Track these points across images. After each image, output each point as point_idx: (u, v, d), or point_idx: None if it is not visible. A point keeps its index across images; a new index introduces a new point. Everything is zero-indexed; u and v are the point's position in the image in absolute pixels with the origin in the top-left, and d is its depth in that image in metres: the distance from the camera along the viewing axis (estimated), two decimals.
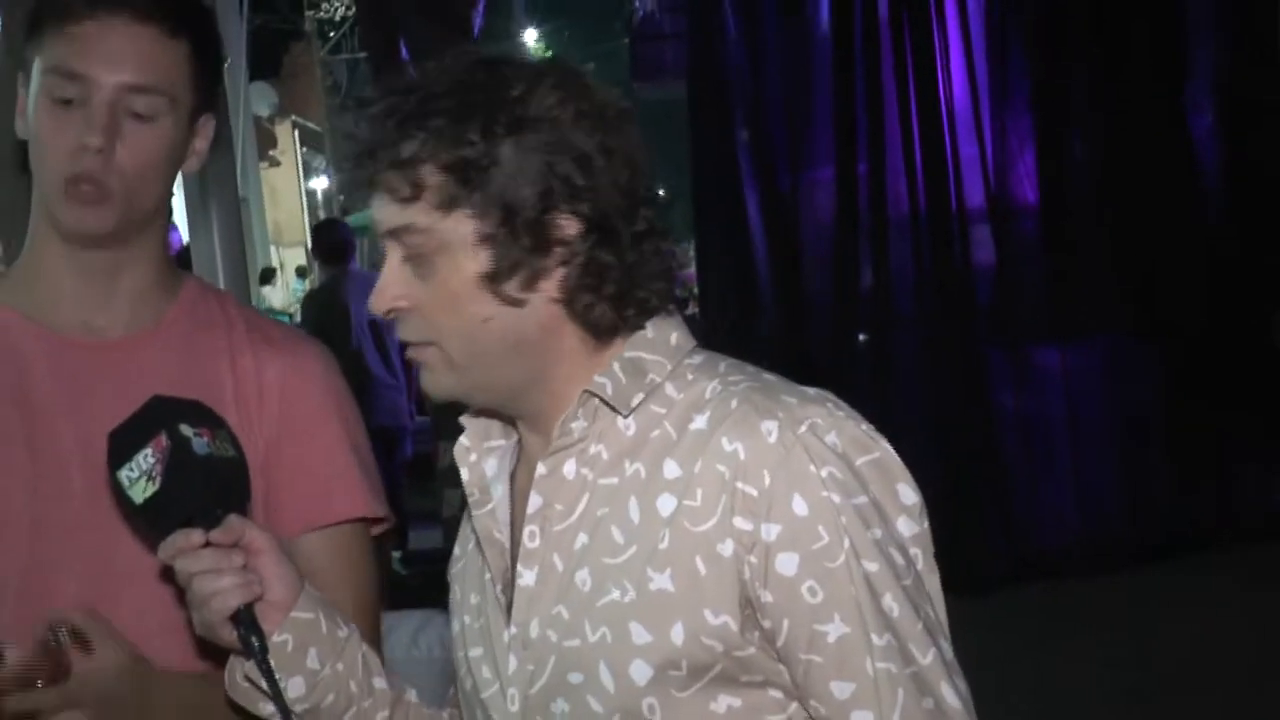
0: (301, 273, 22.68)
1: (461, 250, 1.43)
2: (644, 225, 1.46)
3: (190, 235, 3.51)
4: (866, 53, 7.43)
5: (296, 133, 27.43)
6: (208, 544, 1.50)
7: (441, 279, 1.44)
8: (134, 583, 1.82)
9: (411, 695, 1.66)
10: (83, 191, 1.80)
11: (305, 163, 29.15)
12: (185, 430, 1.50)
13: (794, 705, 1.42)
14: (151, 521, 1.53)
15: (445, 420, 6.42)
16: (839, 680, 1.38)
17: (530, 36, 27.29)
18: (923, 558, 1.44)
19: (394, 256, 1.48)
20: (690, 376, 1.48)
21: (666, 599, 1.40)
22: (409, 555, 7.97)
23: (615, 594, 1.43)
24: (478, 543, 1.57)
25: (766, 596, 1.39)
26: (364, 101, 1.48)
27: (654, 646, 1.40)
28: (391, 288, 1.48)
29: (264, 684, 1.51)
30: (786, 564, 1.38)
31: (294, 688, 1.56)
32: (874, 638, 1.38)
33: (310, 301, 9.15)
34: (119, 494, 1.52)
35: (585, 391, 1.46)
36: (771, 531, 1.38)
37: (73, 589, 1.80)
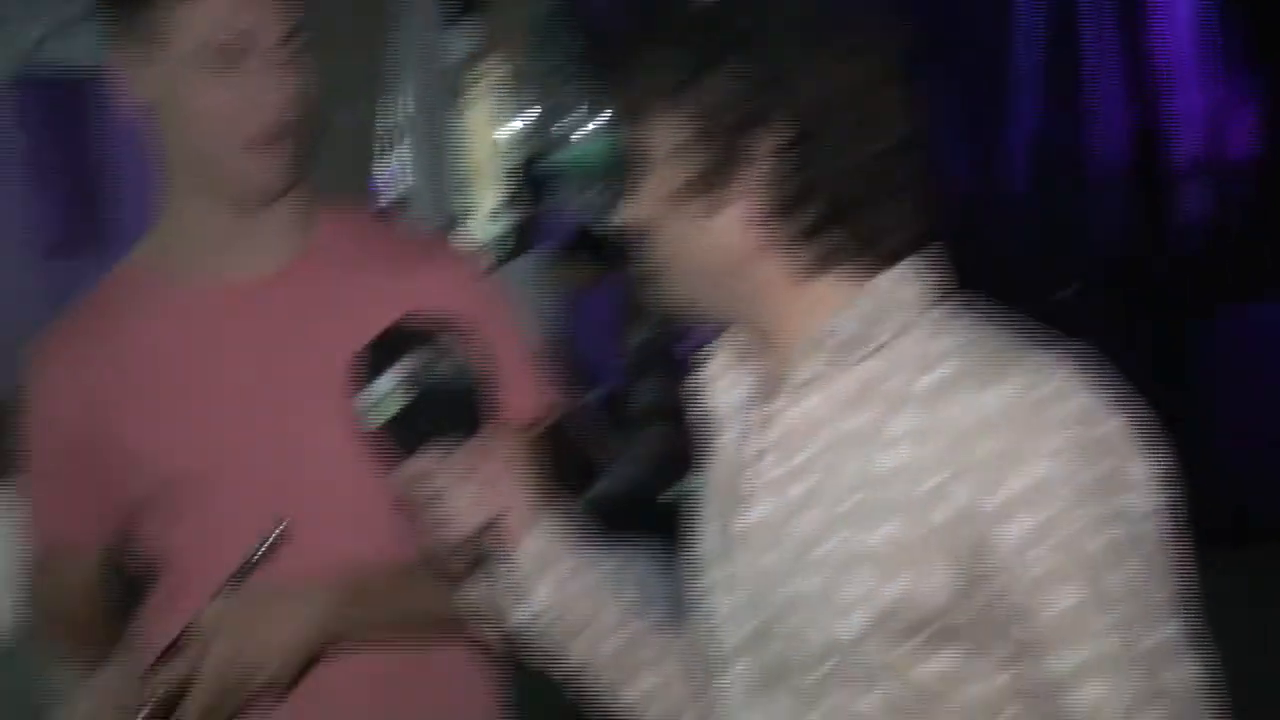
0: (494, 214, 22.96)
1: (664, 164, 1.43)
2: (867, 159, 1.41)
3: (401, 173, 3.56)
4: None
5: (499, 72, 27.70)
6: (447, 465, 1.54)
7: (650, 193, 1.45)
8: (315, 527, 1.86)
9: (654, 611, 1.65)
10: (277, 148, 1.83)
11: (506, 102, 29.45)
12: (427, 353, 1.53)
13: (1007, 674, 1.39)
14: (397, 440, 1.55)
15: (642, 361, 6.48)
16: (1064, 651, 1.34)
17: None
18: (1162, 530, 1.38)
19: (633, 170, 1.49)
20: (931, 329, 1.43)
21: (884, 554, 1.38)
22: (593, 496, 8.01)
23: (834, 543, 1.41)
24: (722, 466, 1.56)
25: (991, 562, 1.35)
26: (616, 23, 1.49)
27: (868, 600, 1.38)
28: (628, 201, 1.49)
29: (498, 604, 1.53)
30: (1014, 531, 1.34)
31: (531, 605, 1.58)
32: (1104, 610, 1.33)
33: (504, 243, 9.23)
34: (362, 415, 1.55)
35: (811, 338, 1.44)
36: (1000, 496, 1.34)
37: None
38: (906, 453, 1.38)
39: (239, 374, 1.86)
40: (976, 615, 1.37)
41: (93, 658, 1.98)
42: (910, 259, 1.45)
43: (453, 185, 3.71)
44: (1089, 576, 1.33)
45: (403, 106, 3.37)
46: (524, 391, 1.94)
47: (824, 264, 1.43)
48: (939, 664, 1.39)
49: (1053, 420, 1.34)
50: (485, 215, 23.17)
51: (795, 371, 1.45)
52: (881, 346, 1.43)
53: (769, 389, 1.49)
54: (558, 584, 1.59)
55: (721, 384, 1.57)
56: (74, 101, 12.31)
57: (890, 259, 1.44)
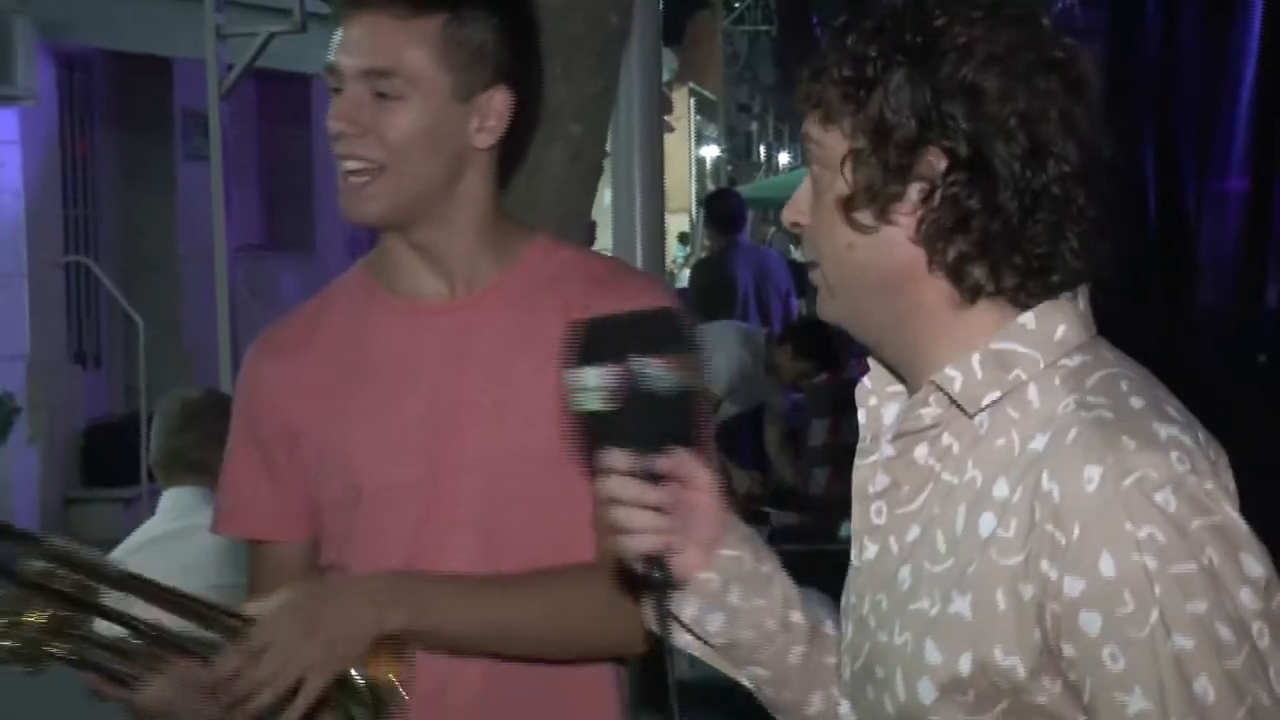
0: (683, 239, 23.02)
1: (834, 168, 1.41)
2: (1044, 186, 1.36)
3: (612, 198, 3.61)
4: None
5: (692, 100, 27.82)
6: (640, 472, 1.47)
7: (824, 198, 1.43)
8: (458, 533, 1.93)
9: (828, 627, 1.61)
10: (350, 183, 1.91)
11: (697, 130, 29.52)
12: (650, 361, 1.45)
13: None
14: (590, 434, 1.49)
15: (818, 398, 6.43)
16: None
17: None
18: (1268, 635, 1.29)
19: (810, 171, 1.47)
20: (1057, 381, 1.37)
21: (961, 625, 1.35)
22: (771, 533, 7.99)
23: (924, 603, 1.38)
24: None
25: (1070, 650, 1.31)
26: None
27: (942, 669, 1.36)
28: (799, 201, 1.47)
29: (667, 627, 1.50)
30: (1089, 623, 1.29)
31: (713, 623, 1.55)
32: (1179, 717, 1.27)
33: (698, 270, 9.26)
34: (568, 389, 1.49)
35: (932, 381, 1.40)
36: (1076, 586, 1.29)
37: (399, 548, 1.93)
38: (1003, 520, 1.34)
39: (425, 392, 1.93)
40: (1050, 698, 1.33)
41: None
42: (1062, 297, 1.40)
43: (650, 210, 3.72)
44: (1155, 683, 1.27)
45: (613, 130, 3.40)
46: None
47: (986, 291, 1.39)
48: None
49: (1150, 508, 1.28)
50: (677, 241, 23.30)
51: (919, 411, 1.41)
52: (1009, 393, 1.38)
53: (905, 420, 1.46)
54: (740, 601, 1.55)
55: (871, 403, 1.53)
56: (292, 102, 12.66)
57: (1052, 291, 1.39)
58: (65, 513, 9.54)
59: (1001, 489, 1.35)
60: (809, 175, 1.46)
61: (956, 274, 1.38)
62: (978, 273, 1.38)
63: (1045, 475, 1.31)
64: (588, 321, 1.49)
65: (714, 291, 7.90)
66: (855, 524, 1.51)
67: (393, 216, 1.94)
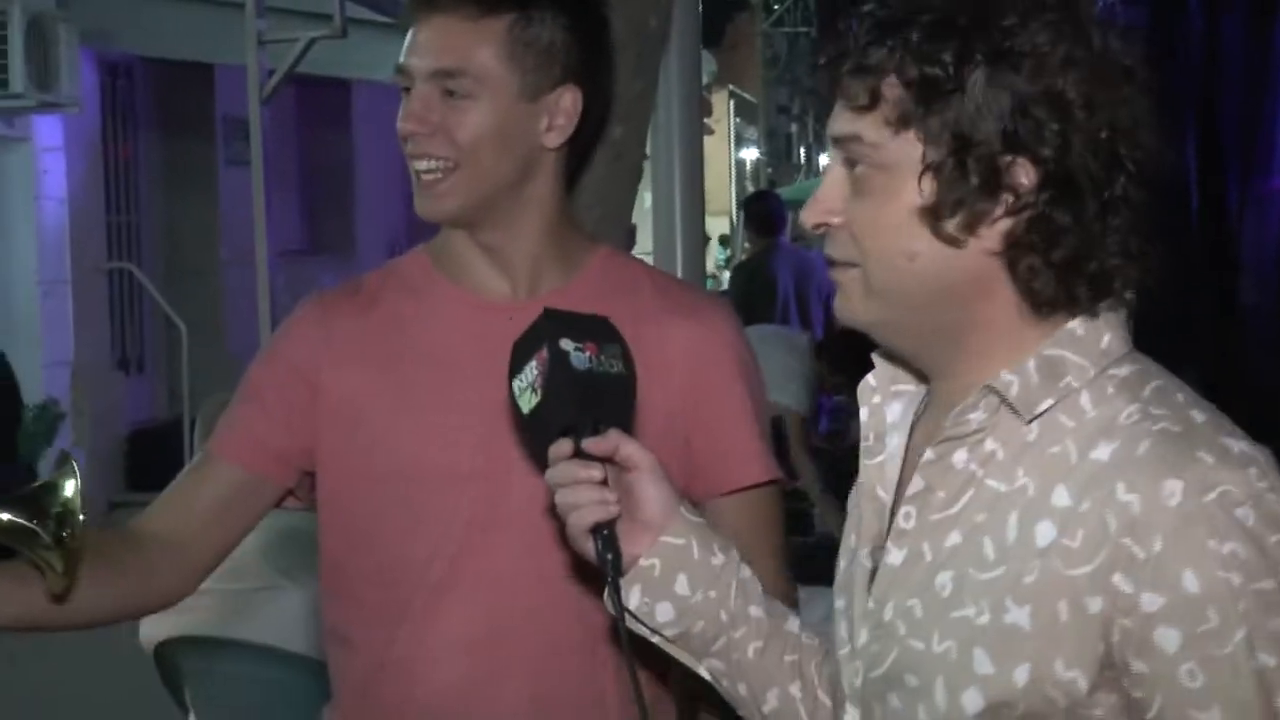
0: (724, 241, 23.00)
1: (904, 174, 1.34)
2: (1118, 193, 1.33)
3: (652, 201, 3.61)
4: None
5: (732, 102, 27.81)
6: (579, 455, 1.49)
7: (879, 200, 1.36)
8: (505, 529, 1.93)
9: (793, 625, 1.60)
10: (424, 181, 1.92)
11: (737, 133, 29.51)
12: (565, 344, 1.51)
13: None
14: (533, 433, 1.55)
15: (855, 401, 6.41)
16: None
17: None
18: None
19: (837, 168, 1.41)
20: (1110, 390, 1.34)
21: (1018, 636, 1.31)
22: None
23: (970, 611, 1.34)
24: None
25: (1139, 667, 1.27)
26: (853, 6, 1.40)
27: (993, 680, 1.32)
28: (827, 200, 1.41)
29: (616, 607, 1.50)
30: (1166, 639, 1.26)
31: (661, 613, 1.53)
32: None
33: (738, 272, 9.25)
34: (511, 406, 1.56)
35: (987, 386, 1.37)
36: (1155, 602, 1.26)
37: (452, 543, 1.94)
38: (1066, 530, 1.30)
39: (485, 385, 1.91)
40: (1106, 713, 1.30)
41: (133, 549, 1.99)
42: (1108, 305, 1.38)
43: (690, 213, 3.72)
44: (1237, 701, 1.25)
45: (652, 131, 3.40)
46: (750, 459, 2.02)
47: (1060, 304, 1.36)
48: None
49: (1232, 524, 1.26)
50: (718, 244, 23.32)
51: (967, 416, 1.38)
52: (1061, 400, 1.35)
53: (932, 424, 1.44)
54: (688, 591, 1.54)
55: (874, 400, 1.50)
56: (332, 107, 12.72)
57: (1116, 299, 1.37)
58: (110, 517, 9.61)
59: (1062, 497, 1.31)
60: (839, 172, 1.40)
61: (1030, 287, 1.35)
62: (1051, 284, 1.35)
63: (1121, 487, 1.28)
64: (515, 342, 1.55)
65: (754, 293, 7.89)
66: (862, 525, 1.49)
67: (467, 214, 1.95)
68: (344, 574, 2.02)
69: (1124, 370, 1.36)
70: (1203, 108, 7.43)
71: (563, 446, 1.50)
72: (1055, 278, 1.34)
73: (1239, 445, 1.31)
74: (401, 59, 1.93)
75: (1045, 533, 1.31)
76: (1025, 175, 1.32)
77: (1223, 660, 1.25)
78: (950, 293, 1.37)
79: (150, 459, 9.77)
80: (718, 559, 1.55)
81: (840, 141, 1.40)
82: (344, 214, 13.09)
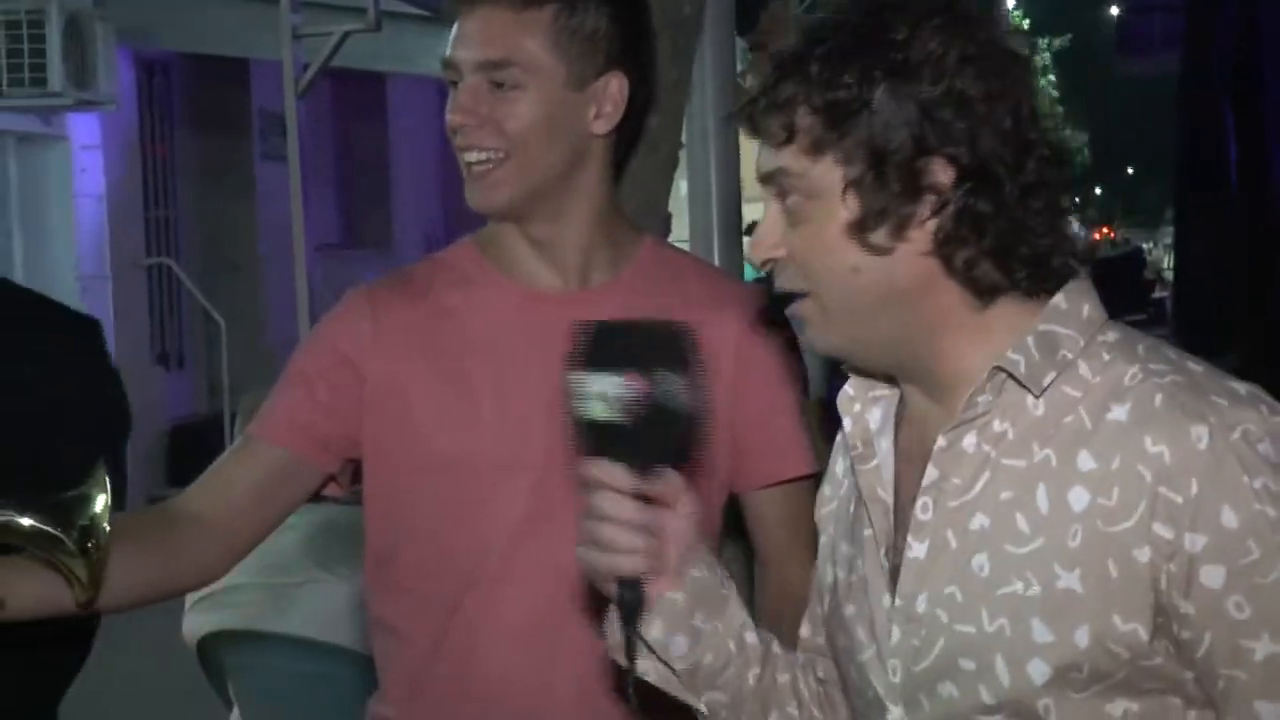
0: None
1: (830, 196, 1.39)
2: (1032, 177, 1.38)
3: (688, 189, 3.60)
4: None
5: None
6: (634, 492, 1.44)
7: (814, 226, 1.41)
8: (561, 521, 1.87)
9: (776, 646, 1.62)
10: (474, 172, 1.92)
11: None
12: (668, 378, 1.41)
13: (1193, 713, 1.36)
14: (589, 440, 1.44)
15: None
16: (1264, 700, 1.31)
17: (1009, 2, 26.85)
18: None
19: (772, 205, 1.45)
20: (1106, 356, 1.39)
21: (1073, 599, 1.35)
22: None
23: (1018, 585, 1.37)
24: (858, 496, 1.53)
25: (1187, 608, 1.32)
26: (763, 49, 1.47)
27: (1056, 647, 1.35)
28: (768, 236, 1.44)
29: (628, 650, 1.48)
30: (1212, 576, 1.31)
31: (677, 646, 1.53)
32: None
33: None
34: (569, 394, 1.44)
35: (996, 368, 1.40)
36: (1197, 542, 1.31)
37: (506, 532, 1.93)
38: (1101, 490, 1.35)
39: (541, 376, 1.88)
40: (1165, 658, 1.34)
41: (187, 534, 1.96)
42: (1074, 281, 1.42)
43: (726, 201, 3.70)
44: None
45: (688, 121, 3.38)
46: (793, 452, 2.03)
47: (1002, 288, 1.40)
48: (1125, 704, 1.36)
49: (1258, 459, 1.32)
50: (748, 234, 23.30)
51: (977, 399, 1.41)
52: (1062, 372, 1.39)
53: (918, 423, 1.47)
54: (703, 623, 1.54)
55: (855, 409, 1.52)
56: (368, 100, 12.75)
57: (1057, 276, 1.41)
58: None
59: (1087, 462, 1.36)
60: (774, 208, 1.44)
61: (969, 277, 1.40)
62: (990, 272, 1.39)
63: (1147, 440, 1.33)
64: (598, 324, 1.44)
65: None
66: (877, 524, 1.49)
67: (518, 204, 1.95)
68: (393, 565, 2.01)
69: (1111, 336, 1.41)
70: (1241, 87, 7.36)
71: (620, 478, 1.44)
72: (993, 265, 1.39)
73: (1241, 386, 1.37)
74: (447, 52, 1.94)
75: (1079, 497, 1.36)
76: (943, 173, 1.37)
77: (1268, 588, 1.30)
78: (899, 298, 1.41)
79: (190, 454, 9.82)
80: (725, 589, 1.57)
81: (768, 179, 1.44)
82: (381, 207, 13.13)
